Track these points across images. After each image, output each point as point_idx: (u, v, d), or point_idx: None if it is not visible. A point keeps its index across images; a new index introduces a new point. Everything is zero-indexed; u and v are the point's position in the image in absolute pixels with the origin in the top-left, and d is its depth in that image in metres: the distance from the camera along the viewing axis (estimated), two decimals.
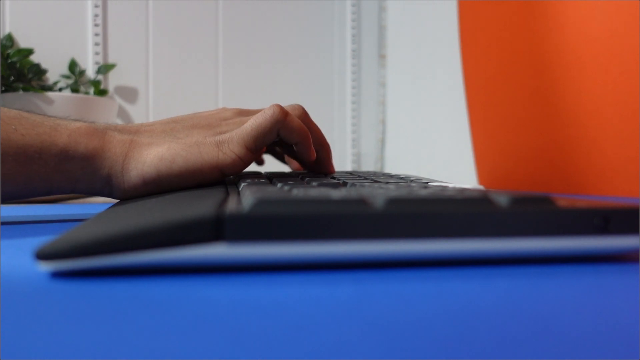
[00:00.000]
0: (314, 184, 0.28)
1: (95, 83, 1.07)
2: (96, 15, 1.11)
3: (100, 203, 0.57)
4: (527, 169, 0.71)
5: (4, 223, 0.35)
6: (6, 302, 0.15)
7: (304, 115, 0.43)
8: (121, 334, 0.12)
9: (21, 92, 0.93)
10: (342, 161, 1.39)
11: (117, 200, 0.35)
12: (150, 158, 0.34)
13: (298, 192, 0.22)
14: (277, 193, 0.21)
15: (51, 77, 1.06)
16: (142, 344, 0.11)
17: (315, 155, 0.43)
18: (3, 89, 0.95)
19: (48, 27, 1.07)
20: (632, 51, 0.56)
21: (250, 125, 0.36)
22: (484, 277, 0.18)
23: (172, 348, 0.11)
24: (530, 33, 0.67)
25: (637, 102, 0.56)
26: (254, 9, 1.28)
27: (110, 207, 0.29)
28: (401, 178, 0.38)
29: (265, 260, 0.18)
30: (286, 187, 0.26)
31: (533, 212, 0.20)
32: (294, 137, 0.38)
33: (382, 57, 1.39)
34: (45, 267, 0.18)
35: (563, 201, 0.22)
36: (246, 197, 0.21)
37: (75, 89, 1.04)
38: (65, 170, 0.33)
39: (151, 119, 1.18)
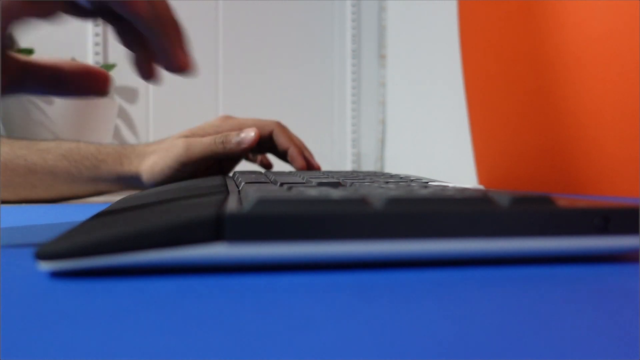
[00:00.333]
0: (314, 183, 0.28)
1: None
2: None
3: (100, 203, 0.57)
4: (527, 169, 0.71)
5: (4, 223, 0.35)
6: (6, 302, 0.15)
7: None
8: (121, 334, 0.12)
9: None
10: (342, 161, 1.39)
11: (116, 200, 0.35)
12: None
13: (298, 191, 0.23)
14: (278, 193, 0.21)
15: None
16: (142, 344, 0.11)
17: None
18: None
19: (48, 27, 1.07)
20: (632, 51, 0.56)
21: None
22: (484, 277, 0.18)
23: (172, 348, 0.11)
24: (530, 33, 0.67)
25: (637, 102, 0.56)
26: (254, 9, 1.28)
27: (110, 206, 0.29)
28: (401, 178, 0.38)
29: (266, 260, 0.18)
30: (286, 187, 0.26)
31: (533, 212, 0.20)
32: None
33: (382, 57, 1.39)
34: (45, 267, 0.18)
35: (563, 201, 0.22)
36: (247, 197, 0.21)
37: None
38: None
39: (151, 119, 1.18)
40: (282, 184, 0.28)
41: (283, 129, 0.58)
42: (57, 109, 0.93)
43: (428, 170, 1.18)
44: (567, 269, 0.19)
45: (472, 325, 0.13)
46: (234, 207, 0.19)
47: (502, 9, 0.72)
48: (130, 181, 0.55)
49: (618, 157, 0.59)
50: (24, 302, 0.15)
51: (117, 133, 1.14)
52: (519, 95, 0.70)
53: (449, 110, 1.11)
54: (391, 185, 0.28)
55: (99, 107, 0.98)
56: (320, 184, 0.28)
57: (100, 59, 1.11)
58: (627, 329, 0.12)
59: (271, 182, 0.33)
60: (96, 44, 1.11)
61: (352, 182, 0.30)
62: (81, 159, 0.55)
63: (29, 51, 0.99)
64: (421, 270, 0.19)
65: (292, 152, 0.57)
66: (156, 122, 1.18)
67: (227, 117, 0.58)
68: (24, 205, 0.52)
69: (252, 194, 0.20)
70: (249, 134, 0.53)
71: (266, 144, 0.58)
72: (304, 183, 0.29)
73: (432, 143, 1.19)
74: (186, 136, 0.55)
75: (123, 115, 1.15)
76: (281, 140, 0.57)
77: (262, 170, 0.69)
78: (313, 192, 0.22)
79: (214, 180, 0.40)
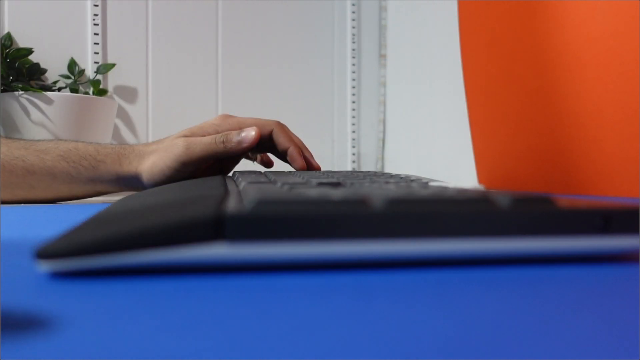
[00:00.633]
0: (314, 183, 0.28)
1: (95, 83, 1.07)
2: (95, 15, 1.11)
3: (99, 203, 0.57)
4: (527, 169, 0.71)
5: (4, 223, 0.35)
6: (6, 302, 0.15)
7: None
8: (121, 334, 0.12)
9: (20, 91, 0.93)
10: (342, 161, 1.39)
11: (116, 200, 0.35)
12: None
13: (299, 192, 0.22)
14: (278, 193, 0.21)
15: (50, 76, 1.06)
16: (142, 344, 0.11)
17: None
18: (2, 88, 0.95)
19: (47, 26, 1.07)
20: (632, 51, 0.56)
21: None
22: (484, 277, 0.18)
23: (172, 348, 0.11)
24: (530, 33, 0.67)
25: (637, 102, 0.56)
26: (254, 8, 1.28)
27: (109, 206, 0.29)
28: (401, 178, 0.38)
29: (266, 260, 0.18)
30: (287, 187, 0.26)
31: (533, 212, 0.20)
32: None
33: (382, 57, 1.39)
34: (46, 266, 0.18)
35: (563, 201, 0.22)
36: (247, 197, 0.21)
37: (74, 89, 1.04)
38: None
39: (150, 119, 1.18)
40: (282, 185, 0.28)
41: (283, 128, 0.57)
42: (57, 109, 0.93)
43: (428, 170, 1.18)
44: (567, 269, 0.19)
45: (472, 325, 0.13)
46: (235, 208, 0.19)
47: (502, 9, 0.72)
48: (130, 181, 0.55)
49: (618, 157, 0.59)
50: (24, 302, 0.15)
51: (116, 133, 1.14)
52: (519, 95, 0.70)
53: (449, 110, 1.11)
54: (391, 186, 0.28)
55: (98, 107, 0.98)
56: (321, 184, 0.28)
57: (99, 58, 1.11)
58: (627, 329, 0.12)
59: (271, 182, 0.33)
60: (95, 44, 1.11)
61: (352, 182, 0.30)
62: (80, 159, 0.55)
63: (28, 51, 0.99)
64: (421, 270, 0.19)
65: (292, 152, 0.57)
66: (155, 121, 1.18)
67: (227, 116, 0.58)
68: (23, 205, 0.52)
69: (253, 194, 0.20)
70: (250, 133, 0.53)
71: (266, 143, 0.58)
72: (304, 183, 0.29)
73: (432, 143, 1.19)
74: (186, 136, 0.55)
75: (122, 115, 1.15)
76: (281, 140, 0.57)
77: (262, 170, 0.69)
78: (313, 192, 0.22)
79: (214, 180, 0.40)
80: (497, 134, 0.75)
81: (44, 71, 1.03)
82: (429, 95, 1.20)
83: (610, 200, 0.24)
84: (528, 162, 0.70)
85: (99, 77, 1.10)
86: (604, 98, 0.60)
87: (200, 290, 0.16)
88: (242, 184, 0.30)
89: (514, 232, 0.19)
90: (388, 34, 1.38)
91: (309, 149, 0.59)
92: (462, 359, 0.10)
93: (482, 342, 0.11)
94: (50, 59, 1.05)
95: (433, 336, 0.12)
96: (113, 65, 1.10)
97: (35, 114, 0.92)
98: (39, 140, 0.58)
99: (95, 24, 1.11)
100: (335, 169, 1.31)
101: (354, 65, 1.37)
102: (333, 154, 1.37)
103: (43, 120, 0.93)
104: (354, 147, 1.38)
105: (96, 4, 1.11)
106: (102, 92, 1.06)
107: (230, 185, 0.33)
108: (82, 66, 1.08)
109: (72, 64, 1.06)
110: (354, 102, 1.38)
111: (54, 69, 1.06)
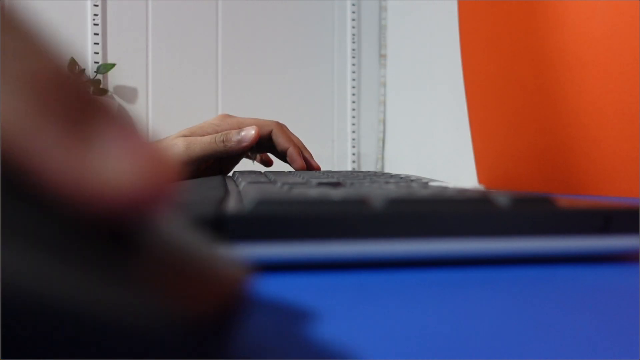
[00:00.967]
0: (315, 183, 0.28)
1: (95, 82, 1.07)
2: (95, 15, 1.11)
3: None
4: (527, 169, 0.71)
5: None
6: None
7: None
8: None
9: None
10: (342, 161, 1.39)
11: None
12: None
13: (299, 192, 0.22)
14: (279, 193, 0.21)
15: None
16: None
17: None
18: None
19: (47, 26, 1.07)
20: (632, 51, 0.56)
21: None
22: (484, 277, 0.18)
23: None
24: (531, 33, 0.67)
25: (637, 102, 0.56)
26: (254, 8, 1.28)
27: None
28: (401, 178, 0.38)
29: (266, 260, 0.18)
30: (287, 187, 0.26)
31: (533, 212, 0.20)
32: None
33: (382, 57, 1.39)
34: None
35: (563, 201, 0.22)
36: (247, 197, 0.21)
37: None
38: None
39: (150, 119, 1.18)
40: (282, 185, 0.28)
41: (282, 129, 0.57)
42: None
43: (428, 170, 1.18)
44: (567, 269, 0.19)
45: (472, 325, 0.13)
46: (235, 208, 0.19)
47: (502, 8, 0.72)
48: None
49: (618, 157, 0.59)
50: None
51: None
52: (519, 95, 0.70)
53: (449, 110, 1.11)
54: (391, 186, 0.28)
55: None
56: (321, 184, 0.28)
57: (99, 58, 1.11)
58: (627, 329, 0.12)
59: (271, 182, 0.33)
60: (95, 43, 1.11)
61: (352, 183, 0.30)
62: None
63: None
64: (421, 270, 0.19)
65: (292, 152, 0.57)
66: (155, 121, 1.18)
67: (227, 116, 0.58)
68: None
69: (253, 194, 0.20)
70: (250, 132, 0.53)
71: (265, 143, 0.58)
72: (304, 183, 0.29)
73: (432, 143, 1.19)
74: (185, 135, 0.55)
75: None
76: (280, 140, 0.57)
77: (262, 170, 0.69)
78: (313, 192, 0.22)
79: (214, 180, 0.40)
80: (497, 134, 0.75)
81: None
82: (429, 95, 1.20)
83: (611, 200, 0.24)
84: (528, 162, 0.70)
85: (99, 77, 1.10)
86: (604, 98, 0.60)
87: None
88: (242, 184, 0.30)
89: (514, 232, 0.19)
90: (388, 34, 1.38)
91: (308, 149, 0.59)
92: (462, 358, 0.10)
93: (482, 342, 0.11)
94: None
95: (433, 336, 0.12)
96: (113, 65, 1.10)
97: None
98: None
99: (95, 24, 1.11)
100: (335, 169, 1.31)
101: (354, 65, 1.37)
102: (333, 154, 1.37)
103: None
104: (354, 147, 1.38)
105: (96, 4, 1.11)
106: (102, 92, 1.07)
107: (230, 185, 0.33)
108: (82, 66, 1.09)
109: (72, 64, 1.06)
110: (354, 102, 1.38)
111: None
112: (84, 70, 1.08)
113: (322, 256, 0.18)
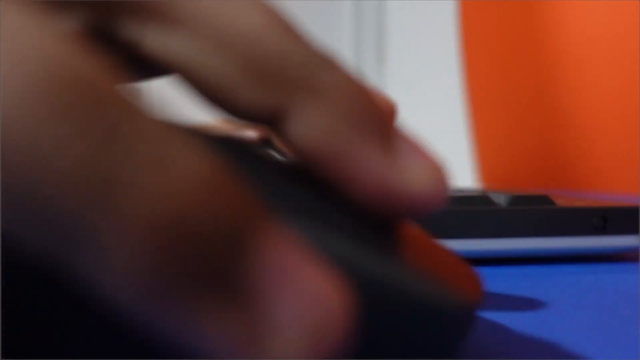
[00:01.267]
0: None
1: None
2: None
3: None
4: (527, 169, 0.71)
5: None
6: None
7: None
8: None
9: None
10: None
11: None
12: None
13: None
14: None
15: None
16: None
17: None
18: None
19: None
20: (632, 51, 0.56)
21: None
22: (484, 277, 0.18)
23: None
24: (530, 33, 0.67)
25: (637, 102, 0.56)
26: None
27: None
28: None
29: None
30: None
31: (532, 212, 0.20)
32: None
33: (382, 57, 1.39)
34: None
35: (562, 200, 0.22)
36: None
37: None
38: None
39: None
40: None
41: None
42: None
43: None
44: (567, 268, 0.19)
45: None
46: None
47: (502, 9, 0.72)
48: None
49: (617, 156, 0.59)
50: None
51: None
52: (519, 95, 0.70)
53: (449, 111, 1.11)
54: None
55: None
56: None
57: None
58: (627, 329, 0.12)
59: None
60: None
61: None
62: None
63: None
64: None
65: None
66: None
67: (227, 119, 0.58)
68: None
69: None
70: (250, 133, 0.53)
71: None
72: None
73: (432, 143, 1.19)
74: None
75: None
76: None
77: None
78: None
79: None
80: (497, 134, 0.75)
81: None
82: (429, 95, 1.20)
83: (610, 200, 0.24)
84: (528, 162, 0.70)
85: None
86: (603, 98, 0.60)
87: None
88: None
89: (513, 231, 0.19)
90: (388, 34, 1.38)
91: None
92: (461, 359, 0.10)
93: (481, 342, 0.11)
94: None
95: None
96: None
97: None
98: None
99: None
100: None
101: (354, 66, 1.37)
102: None
103: None
104: None
105: None
106: None
107: None
108: None
109: None
110: None
111: None
112: None
113: None
